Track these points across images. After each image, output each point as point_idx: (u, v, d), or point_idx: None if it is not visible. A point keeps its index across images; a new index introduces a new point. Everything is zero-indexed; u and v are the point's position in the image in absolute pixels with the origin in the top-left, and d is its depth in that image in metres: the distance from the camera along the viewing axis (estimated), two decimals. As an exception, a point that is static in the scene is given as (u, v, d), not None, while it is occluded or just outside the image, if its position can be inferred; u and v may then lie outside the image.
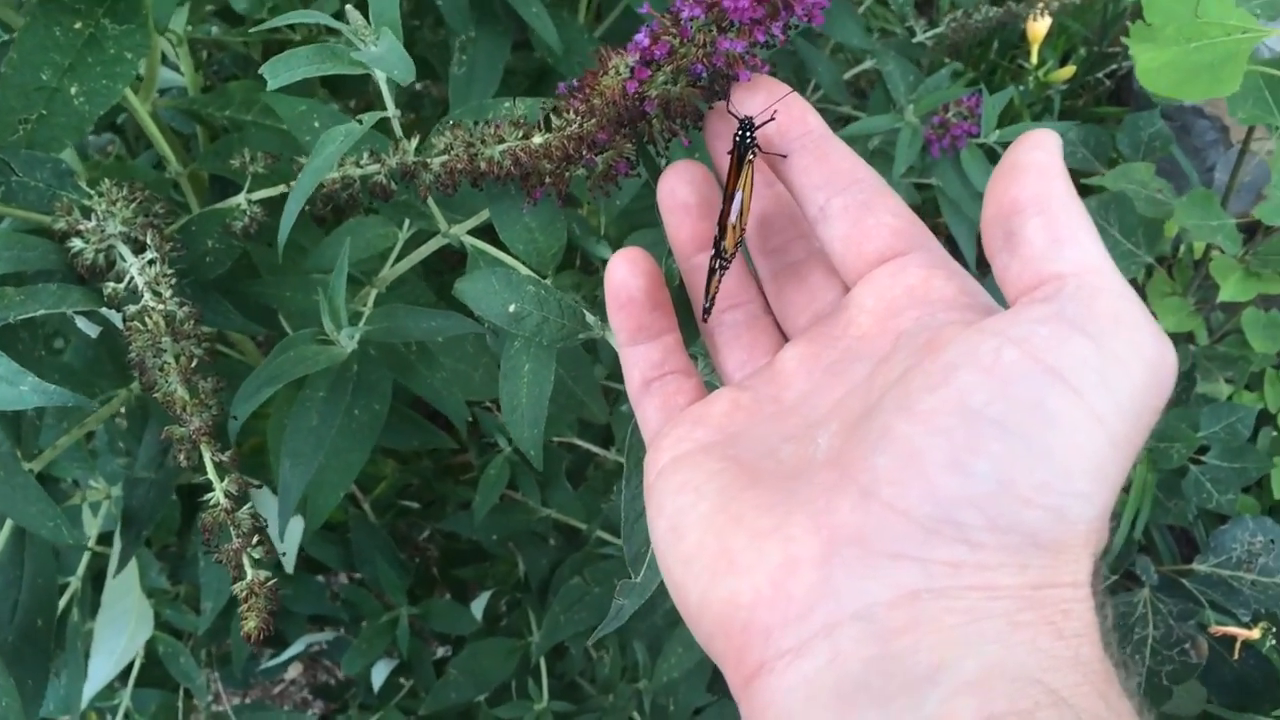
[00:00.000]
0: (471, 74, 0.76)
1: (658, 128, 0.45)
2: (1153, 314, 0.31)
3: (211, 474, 0.44)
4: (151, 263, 0.50)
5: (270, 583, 0.42)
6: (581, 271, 0.98)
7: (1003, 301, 0.34)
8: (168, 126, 0.75)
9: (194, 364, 0.47)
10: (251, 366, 0.69)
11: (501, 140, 0.47)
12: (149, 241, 0.51)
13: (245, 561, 0.42)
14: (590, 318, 0.51)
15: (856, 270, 0.39)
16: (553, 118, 0.46)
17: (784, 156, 0.41)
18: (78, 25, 0.54)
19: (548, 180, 0.48)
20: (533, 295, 0.49)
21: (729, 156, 0.41)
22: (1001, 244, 0.33)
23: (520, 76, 0.86)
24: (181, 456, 0.44)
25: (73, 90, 0.53)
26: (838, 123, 1.01)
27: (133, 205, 0.53)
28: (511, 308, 0.48)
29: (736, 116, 0.41)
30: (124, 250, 0.51)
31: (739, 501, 0.34)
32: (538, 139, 0.46)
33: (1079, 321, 0.30)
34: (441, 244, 0.59)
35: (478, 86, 0.76)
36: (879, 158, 0.89)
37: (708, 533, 0.34)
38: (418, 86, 1.04)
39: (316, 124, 0.57)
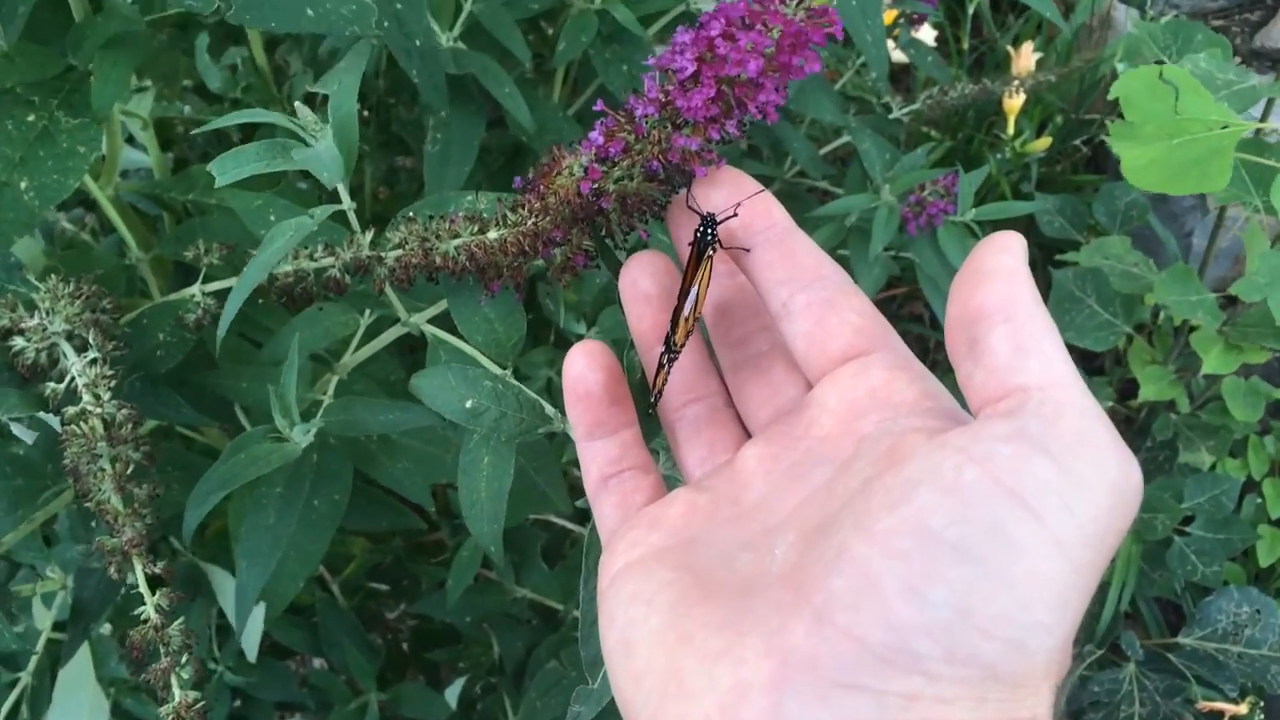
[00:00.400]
0: (446, 152, 0.76)
1: (615, 221, 0.44)
2: (1134, 381, 0.30)
3: (143, 588, 0.43)
4: (93, 362, 0.49)
5: (199, 705, 0.40)
6: (555, 347, 0.97)
7: (965, 403, 0.33)
8: (129, 209, 0.74)
9: (130, 470, 0.45)
10: (216, 451, 0.67)
11: (456, 235, 0.46)
12: (91, 340, 0.49)
13: (174, 682, 0.40)
14: (550, 410, 0.50)
15: (819, 368, 0.38)
16: (508, 214, 0.45)
17: (747, 251, 0.40)
18: (30, 118, 0.53)
19: (505, 273, 0.47)
20: (490, 390, 0.47)
21: (690, 248, 0.41)
22: (965, 351, 0.32)
23: (495, 154, 0.86)
24: (112, 570, 0.42)
25: (23, 185, 0.52)
26: (815, 197, 1.01)
27: (78, 301, 0.51)
28: (468, 403, 0.47)
29: (698, 212, 0.41)
30: (66, 349, 0.49)
31: (690, 619, 0.32)
32: (493, 234, 0.45)
33: (1042, 440, 0.29)
34: (402, 332, 0.58)
35: (452, 165, 0.76)
36: (856, 235, 0.88)
37: (658, 649, 0.32)
38: (407, 162, 1.03)
39: (272, 217, 0.56)
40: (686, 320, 0.40)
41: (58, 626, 0.77)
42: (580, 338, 0.87)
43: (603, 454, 0.40)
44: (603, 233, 0.46)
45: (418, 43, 0.65)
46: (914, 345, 1.35)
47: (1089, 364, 1.45)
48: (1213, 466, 1.27)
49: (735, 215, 0.40)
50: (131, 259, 0.68)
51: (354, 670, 0.89)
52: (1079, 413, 0.29)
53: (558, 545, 1.00)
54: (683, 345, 0.40)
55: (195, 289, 0.56)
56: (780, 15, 0.38)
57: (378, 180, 0.98)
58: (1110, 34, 1.57)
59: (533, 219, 0.44)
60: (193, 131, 0.80)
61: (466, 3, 0.75)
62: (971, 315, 0.31)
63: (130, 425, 0.47)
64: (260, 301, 0.56)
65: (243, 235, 0.60)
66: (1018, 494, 0.28)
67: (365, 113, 0.97)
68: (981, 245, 0.32)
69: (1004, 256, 0.32)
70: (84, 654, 0.73)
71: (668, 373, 0.41)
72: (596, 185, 0.42)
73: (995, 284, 0.31)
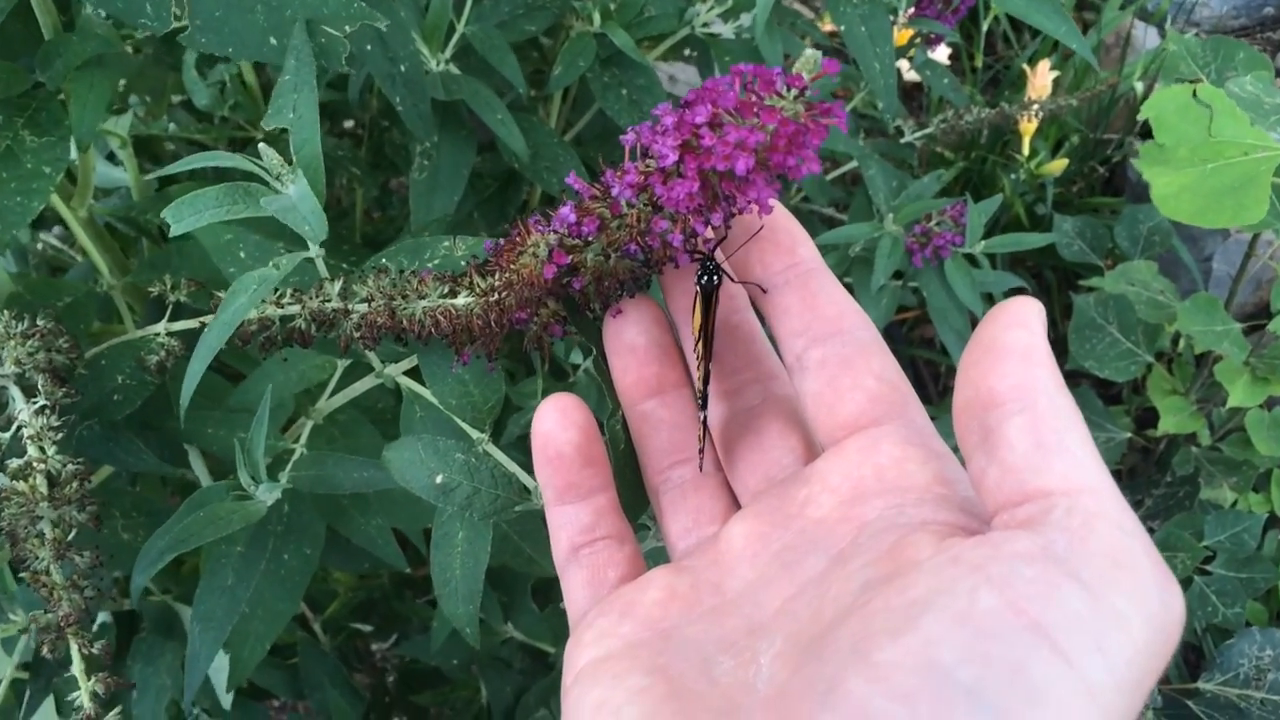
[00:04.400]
0: (434, 180, 0.72)
1: (592, 295, 0.40)
2: (1154, 412, 0.26)
3: (77, 671, 0.39)
4: (41, 410, 0.45)
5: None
6: (552, 377, 0.93)
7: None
8: (106, 231, 0.71)
9: (71, 535, 0.42)
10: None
11: (424, 296, 0.42)
12: (40, 387, 0.46)
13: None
14: (530, 483, 0.46)
15: (826, 433, 0.34)
16: (477, 279, 0.41)
17: (764, 291, 0.36)
18: (-7, 138, 0.50)
19: (476, 342, 0.43)
20: (462, 465, 0.44)
21: (692, 295, 0.37)
22: (978, 441, 0.28)
23: (487, 180, 0.82)
24: (45, 649, 0.39)
25: (-18, 207, 0.49)
26: (820, 223, 0.97)
27: (31, 340, 0.48)
28: (439, 478, 0.43)
29: (699, 252, 0.37)
30: (15, 393, 0.46)
31: None
32: (461, 300, 0.42)
33: (1070, 562, 0.25)
34: (377, 383, 0.54)
35: (440, 193, 0.72)
36: (861, 264, 0.84)
37: None
38: (400, 183, 1.00)
39: (242, 254, 0.52)
40: (698, 369, 0.37)
41: (25, 666, 0.74)
42: (577, 368, 0.83)
43: (574, 521, 0.37)
44: (577, 302, 0.41)
45: (402, 68, 0.61)
46: (925, 371, 1.30)
47: (1106, 392, 1.41)
48: (1234, 503, 1.22)
49: (726, 257, 0.37)
50: (103, 285, 0.65)
51: (336, 716, 0.85)
52: (1113, 527, 0.25)
53: (549, 586, 0.96)
54: (704, 397, 0.37)
55: (160, 327, 0.53)
56: (775, 112, 0.33)
57: (369, 203, 0.94)
58: (1130, 52, 1.52)
59: (498, 294, 0.40)
60: (149, 175, 0.76)
61: (459, 25, 0.71)
62: (984, 401, 0.28)
63: (77, 482, 0.44)
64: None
65: (216, 267, 0.57)
66: (1043, 629, 0.24)
67: (359, 132, 0.93)
68: (993, 316, 0.28)
69: (1019, 332, 0.28)
70: (48, 703, 0.70)
71: (703, 433, 0.37)
72: (561, 272, 0.38)
73: (1010, 365, 0.27)
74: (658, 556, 0.41)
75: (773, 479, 0.36)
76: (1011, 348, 0.27)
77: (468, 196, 0.75)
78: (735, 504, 0.38)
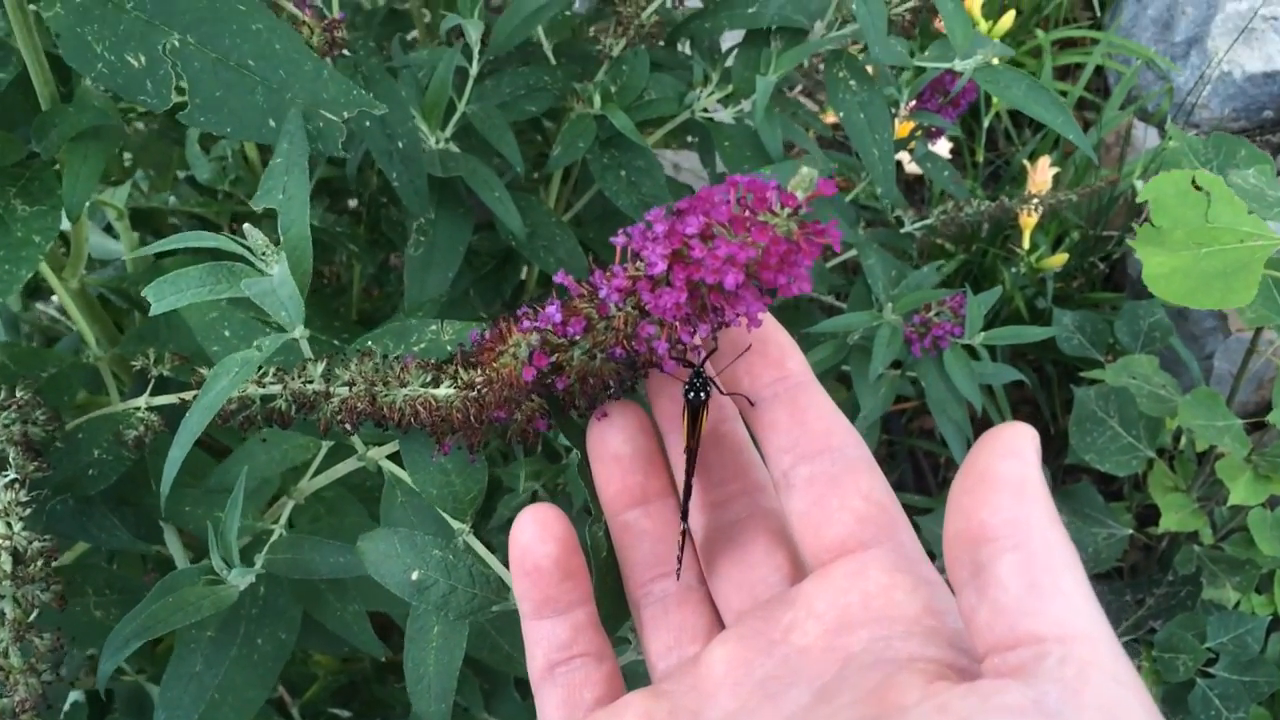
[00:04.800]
0: (430, 256, 0.72)
1: (576, 395, 0.39)
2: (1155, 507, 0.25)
3: (33, 769, 0.37)
4: (11, 484, 0.44)
5: None
6: (544, 458, 0.92)
7: None
8: (98, 302, 0.70)
9: (33, 616, 0.40)
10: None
11: (405, 384, 0.41)
12: (12, 460, 0.45)
13: None
14: (509, 582, 0.45)
15: (812, 554, 0.33)
16: (460, 371, 0.40)
17: (753, 404, 0.35)
18: (-17, 206, 0.50)
19: (458, 434, 0.42)
20: (439, 561, 0.42)
21: (679, 402, 0.36)
22: (968, 577, 0.26)
23: (485, 257, 0.82)
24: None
25: (-30, 275, 0.48)
26: (820, 312, 0.97)
27: (6, 412, 0.47)
28: (414, 575, 0.42)
29: (689, 363, 0.36)
30: (-14, 467, 0.45)
31: None
32: (442, 391, 0.41)
33: (1063, 717, 0.23)
34: (359, 465, 0.53)
35: (435, 270, 0.72)
36: (859, 353, 0.83)
37: None
38: (398, 260, 1.00)
39: (227, 333, 0.52)
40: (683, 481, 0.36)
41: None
42: (570, 450, 0.82)
43: (550, 637, 0.35)
44: (560, 401, 0.40)
45: (400, 144, 0.61)
46: (924, 463, 1.28)
47: (1107, 488, 1.39)
48: (1237, 604, 1.20)
49: (712, 375, 0.36)
50: (89, 358, 0.64)
51: (309, 806, 0.82)
52: (1108, 678, 0.24)
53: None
54: (685, 510, 0.36)
55: (141, 401, 0.52)
56: (768, 229, 0.32)
57: (367, 279, 0.94)
58: (1130, 151, 1.54)
59: (478, 390, 0.39)
60: (133, 253, 0.76)
61: (460, 104, 0.72)
62: (975, 535, 0.26)
63: (43, 560, 0.42)
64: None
65: (204, 343, 0.56)
66: None
67: (359, 210, 0.94)
68: (986, 443, 0.27)
69: (1012, 462, 0.26)
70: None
71: (681, 544, 0.36)
72: (541, 374, 0.37)
73: (1003, 498, 0.26)
74: (637, 670, 0.39)
75: (757, 598, 0.35)
76: (1004, 479, 0.26)
77: (464, 274, 0.75)
78: (718, 621, 0.36)
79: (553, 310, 0.36)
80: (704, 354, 0.36)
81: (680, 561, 0.36)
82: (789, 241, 0.32)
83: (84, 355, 0.65)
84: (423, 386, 0.40)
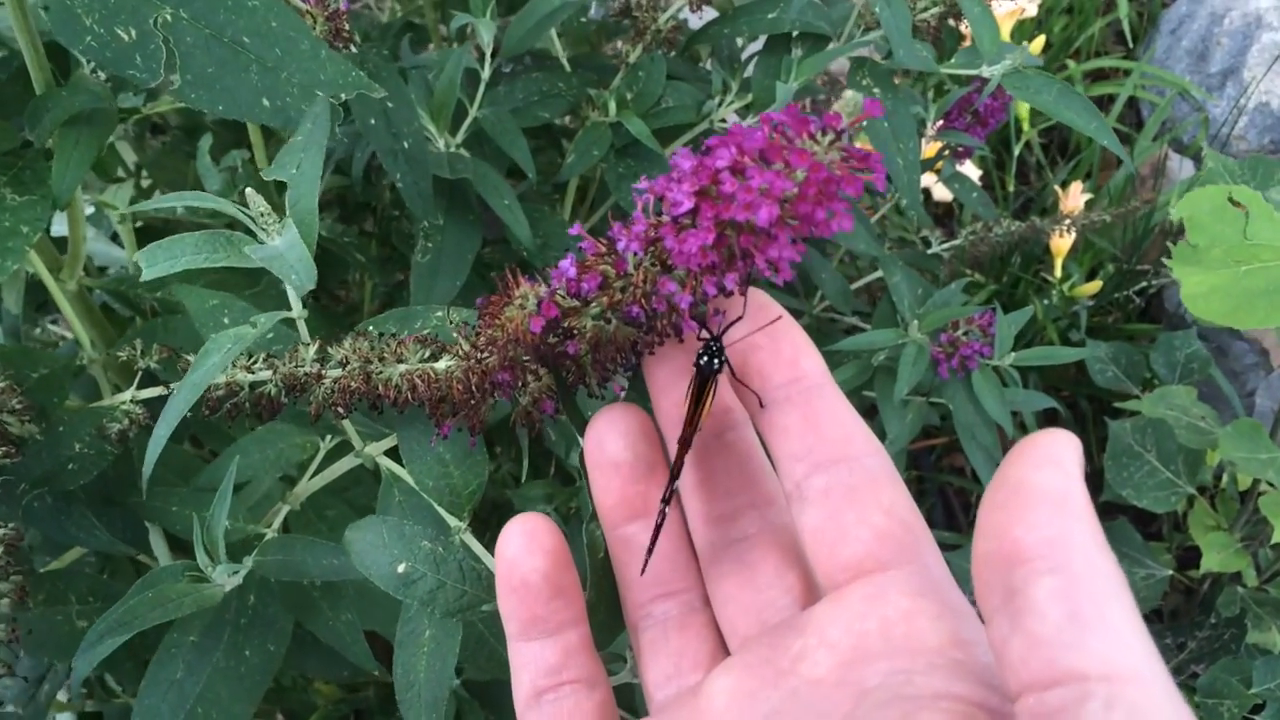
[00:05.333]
0: (436, 264, 0.70)
1: (588, 366, 0.36)
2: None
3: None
4: (-22, 473, 0.42)
5: None
6: (557, 480, 0.89)
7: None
8: (99, 308, 0.68)
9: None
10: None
11: (402, 360, 0.39)
12: (-17, 449, 0.43)
13: None
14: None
15: (827, 574, 0.30)
16: (462, 342, 0.38)
17: (763, 407, 0.32)
18: (-29, 194, 0.48)
19: (459, 413, 0.40)
20: (428, 554, 0.39)
21: (687, 386, 0.33)
22: (1000, 603, 0.23)
23: (497, 270, 0.80)
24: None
25: (-44, 266, 0.47)
26: (843, 335, 0.94)
27: (-18, 402, 0.45)
28: (401, 567, 0.39)
29: (709, 331, 0.33)
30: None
31: None
32: (442, 364, 0.38)
33: None
34: (356, 464, 0.50)
35: (442, 278, 0.70)
36: (884, 375, 0.80)
37: None
38: (402, 276, 0.98)
39: (226, 320, 0.50)
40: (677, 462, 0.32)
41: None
42: (580, 472, 0.79)
43: (538, 660, 0.32)
44: (568, 378, 0.37)
45: (405, 144, 0.60)
46: (955, 501, 1.24)
47: (1145, 527, 1.34)
48: (1284, 648, 1.15)
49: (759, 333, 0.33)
50: (84, 359, 0.62)
51: (308, 838, 0.79)
52: None
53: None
54: (670, 494, 0.33)
55: (126, 395, 0.50)
56: (807, 155, 0.29)
57: (380, 298, 0.92)
58: (1165, 183, 1.51)
59: (478, 356, 0.36)
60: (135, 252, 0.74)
61: (472, 108, 0.70)
62: (1008, 555, 0.23)
63: (2, 548, 0.40)
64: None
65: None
66: None
67: (371, 231, 0.92)
68: (1020, 451, 0.24)
69: (1051, 472, 0.23)
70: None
71: (655, 534, 0.33)
72: (555, 323, 0.34)
73: (1040, 513, 0.23)
74: (632, 692, 0.36)
75: (765, 622, 0.32)
76: (1042, 492, 0.23)
77: (474, 287, 0.73)
78: (722, 647, 0.33)
79: (567, 264, 0.33)
80: (724, 323, 0.33)
81: (650, 551, 0.33)
82: (829, 171, 0.29)
83: (79, 358, 0.63)
84: (421, 362, 0.38)
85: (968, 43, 0.86)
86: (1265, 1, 1.55)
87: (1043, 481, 0.23)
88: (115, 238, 0.81)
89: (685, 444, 0.33)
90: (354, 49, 0.58)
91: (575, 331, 0.35)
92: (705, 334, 0.33)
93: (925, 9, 0.72)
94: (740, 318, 0.33)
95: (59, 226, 0.66)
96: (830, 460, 0.31)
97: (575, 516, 0.90)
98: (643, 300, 0.33)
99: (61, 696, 0.63)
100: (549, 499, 0.86)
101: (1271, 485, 1.01)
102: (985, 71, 0.69)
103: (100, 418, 0.48)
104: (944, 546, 1.19)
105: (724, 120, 0.76)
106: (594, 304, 0.34)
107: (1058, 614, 0.22)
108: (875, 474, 0.30)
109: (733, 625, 0.33)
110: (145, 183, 0.97)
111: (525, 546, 0.32)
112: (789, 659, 0.29)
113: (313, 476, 0.55)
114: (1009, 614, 0.23)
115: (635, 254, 0.33)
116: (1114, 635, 0.22)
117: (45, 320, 0.89)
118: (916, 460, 1.41)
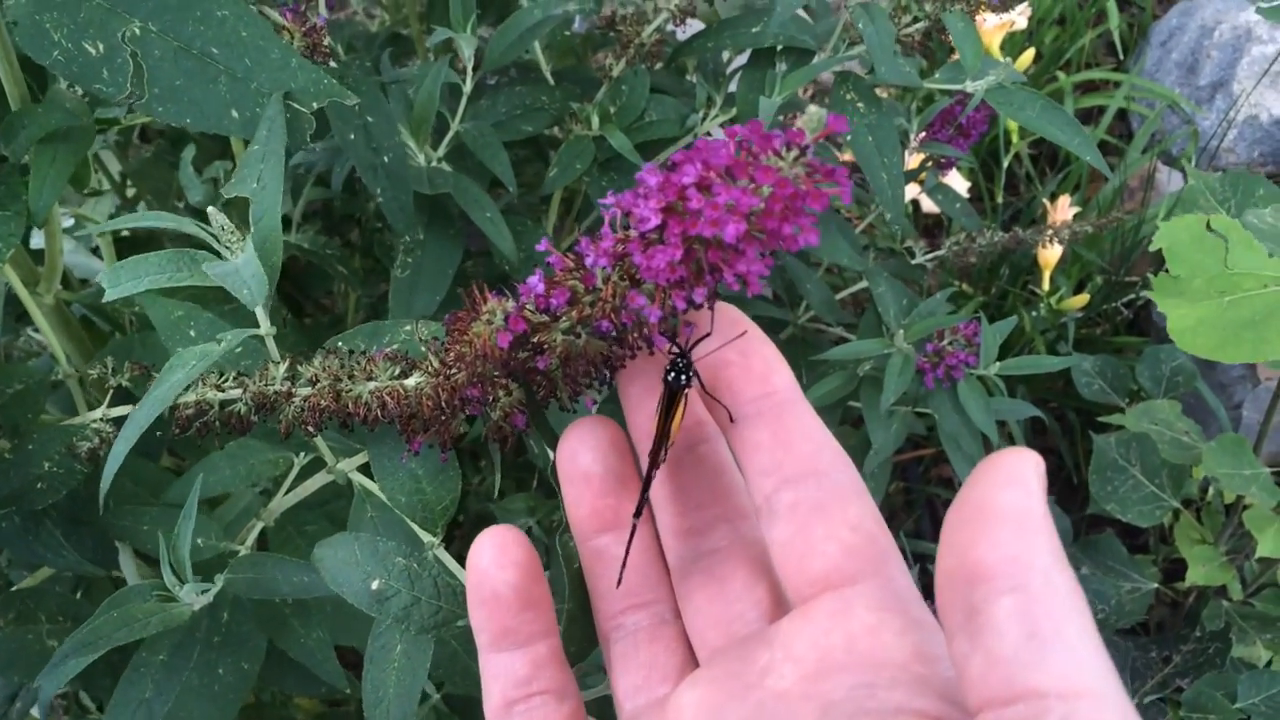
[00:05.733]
0: (415, 279, 0.69)
1: (560, 380, 0.36)
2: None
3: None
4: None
5: None
6: (539, 493, 0.89)
7: None
8: (79, 322, 0.68)
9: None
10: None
11: (372, 377, 0.39)
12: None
13: None
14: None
15: (794, 589, 0.30)
16: (432, 359, 0.38)
17: (732, 420, 0.32)
18: (-58, 211, 0.48)
19: (429, 429, 0.39)
20: (402, 570, 0.39)
21: (655, 391, 0.33)
22: (961, 621, 0.23)
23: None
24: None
25: (-75, 280, 0.46)
26: (829, 345, 0.93)
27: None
28: (375, 584, 0.39)
29: (677, 346, 0.33)
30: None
31: None
32: (412, 381, 0.38)
33: None
34: (328, 480, 0.50)
35: (421, 293, 0.69)
36: (870, 385, 0.80)
37: None
38: (384, 288, 0.98)
39: (193, 333, 0.49)
40: (649, 472, 0.32)
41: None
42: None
43: (509, 671, 0.32)
44: (539, 393, 0.37)
45: (385, 159, 0.59)
46: (942, 513, 1.24)
47: (1132, 540, 1.34)
48: (1269, 662, 1.15)
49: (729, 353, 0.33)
50: (59, 374, 0.62)
51: None
52: None
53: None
54: (641, 506, 0.33)
55: (97, 413, 0.49)
56: (772, 171, 0.29)
57: (365, 309, 0.92)
58: (1153, 195, 1.51)
59: (445, 371, 0.36)
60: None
61: (453, 122, 0.70)
62: (969, 574, 0.23)
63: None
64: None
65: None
66: None
67: (355, 241, 0.92)
68: (984, 471, 0.24)
69: (1013, 492, 0.23)
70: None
71: (625, 559, 0.33)
72: (524, 338, 0.34)
73: (1001, 533, 0.23)
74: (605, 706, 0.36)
75: (734, 635, 0.32)
76: (1004, 512, 0.23)
77: (455, 301, 0.72)
78: (692, 659, 0.34)
79: (535, 280, 0.33)
80: (693, 338, 0.33)
81: (624, 564, 0.33)
82: (795, 186, 0.29)
83: (56, 373, 0.62)
84: (391, 379, 0.37)
85: (956, 55, 0.86)
86: (1255, 15, 1.55)
87: (1004, 501, 0.23)
88: (97, 250, 0.81)
89: (654, 459, 0.33)
90: (333, 64, 0.57)
91: (545, 346, 0.34)
92: (674, 349, 0.33)
93: (910, 24, 0.72)
94: (709, 334, 0.33)
95: (37, 239, 0.65)
96: (799, 475, 0.31)
97: (558, 529, 0.90)
98: (612, 315, 0.33)
99: (35, 713, 0.63)
100: (531, 511, 0.86)
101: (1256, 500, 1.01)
102: (969, 87, 0.69)
103: (70, 436, 0.48)
104: (931, 559, 1.19)
105: (709, 134, 0.76)
106: (563, 319, 0.34)
107: (1016, 633, 0.22)
108: (843, 489, 0.31)
109: (702, 637, 0.33)
110: (129, 192, 0.96)
111: (496, 559, 0.32)
112: (756, 672, 0.29)
113: (287, 492, 0.55)
114: (969, 632, 0.23)
115: (604, 269, 0.33)
116: (1071, 654, 0.22)
117: (26, 329, 0.89)
118: (904, 472, 1.41)
